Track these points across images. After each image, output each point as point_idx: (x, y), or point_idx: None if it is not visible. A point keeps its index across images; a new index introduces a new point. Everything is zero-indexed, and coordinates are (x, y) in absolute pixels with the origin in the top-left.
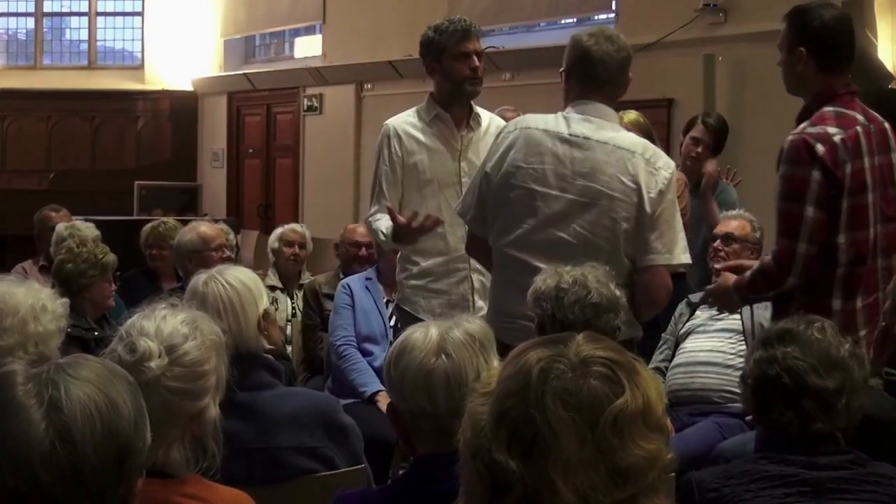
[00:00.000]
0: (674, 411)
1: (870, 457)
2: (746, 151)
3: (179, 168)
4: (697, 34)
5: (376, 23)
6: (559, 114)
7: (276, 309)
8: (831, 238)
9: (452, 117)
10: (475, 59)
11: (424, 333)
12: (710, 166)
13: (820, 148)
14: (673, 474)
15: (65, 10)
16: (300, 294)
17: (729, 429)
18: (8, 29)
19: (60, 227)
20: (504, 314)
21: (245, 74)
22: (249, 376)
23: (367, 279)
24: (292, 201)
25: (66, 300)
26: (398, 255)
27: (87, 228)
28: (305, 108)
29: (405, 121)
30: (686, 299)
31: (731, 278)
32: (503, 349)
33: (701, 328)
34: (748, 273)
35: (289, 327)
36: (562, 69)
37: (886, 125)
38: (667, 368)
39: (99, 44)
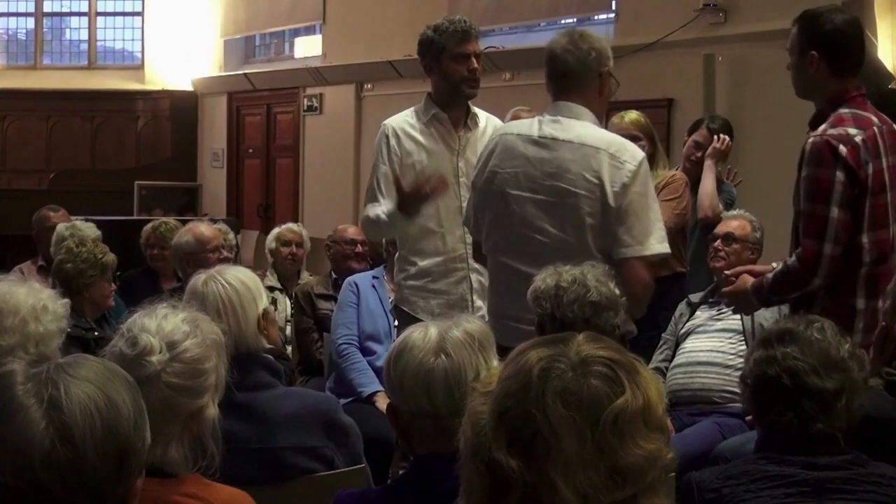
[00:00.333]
0: (674, 411)
1: (870, 457)
2: (746, 151)
3: (179, 168)
4: (697, 34)
5: (376, 23)
6: (535, 117)
7: (276, 309)
8: (855, 238)
9: (450, 117)
10: (474, 60)
11: (424, 333)
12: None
13: (843, 149)
14: (673, 474)
15: (65, 10)
16: (294, 296)
17: (729, 429)
18: (8, 29)
19: (61, 227)
20: (497, 316)
21: (245, 74)
22: (249, 376)
23: (375, 278)
24: (292, 201)
25: (66, 301)
26: (396, 255)
27: (88, 228)
28: (305, 108)
29: (403, 121)
30: (686, 299)
31: (749, 280)
32: (500, 351)
33: (701, 328)
34: (769, 275)
35: (288, 328)
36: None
37: (895, 126)
38: (667, 368)
39: (99, 44)
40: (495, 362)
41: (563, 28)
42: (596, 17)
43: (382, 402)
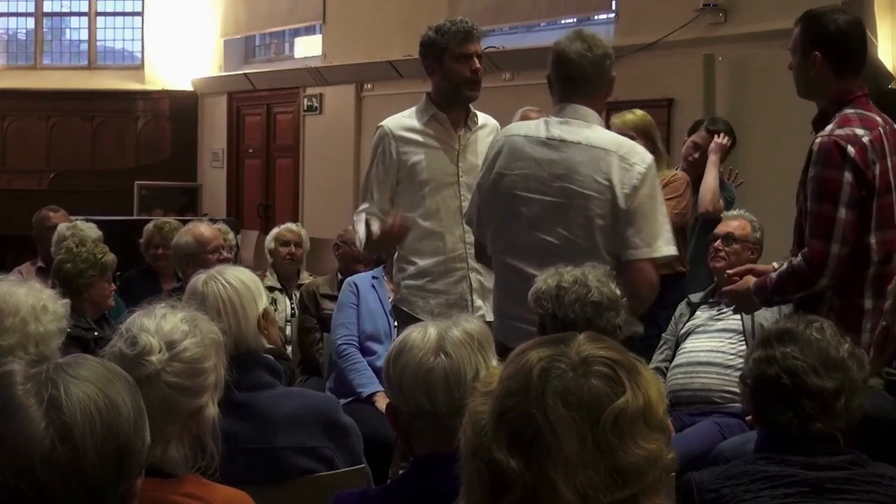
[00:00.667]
0: (674, 411)
1: (870, 457)
2: (746, 151)
3: (179, 168)
4: (697, 34)
5: (376, 23)
6: (542, 119)
7: (276, 309)
8: (862, 239)
9: (450, 118)
10: (476, 60)
11: (423, 333)
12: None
13: (851, 150)
14: (673, 474)
15: (65, 10)
16: (299, 294)
17: (729, 429)
18: (8, 29)
19: (62, 227)
20: (503, 316)
21: (245, 74)
22: (249, 376)
23: (374, 278)
24: (292, 201)
25: (66, 301)
26: (395, 255)
27: (89, 229)
28: (305, 108)
29: (401, 122)
30: (686, 299)
31: (752, 280)
32: (504, 351)
33: (701, 328)
34: (773, 275)
35: (288, 328)
36: (546, 75)
37: None
38: (667, 368)
39: (99, 44)
40: (495, 362)
41: (563, 28)
42: (596, 17)
43: (382, 402)
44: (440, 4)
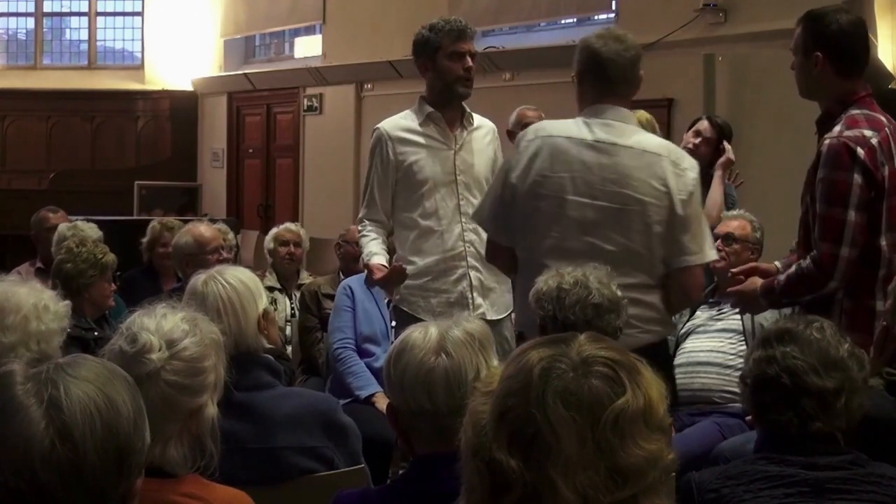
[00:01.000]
0: (674, 411)
1: (870, 457)
2: (746, 151)
3: (179, 168)
4: (697, 34)
5: (376, 23)
6: (578, 119)
7: (275, 309)
8: (873, 240)
9: (445, 117)
10: (469, 59)
11: (424, 333)
12: (728, 151)
13: (860, 151)
14: (673, 474)
15: (65, 10)
16: (299, 294)
17: (729, 429)
18: (8, 29)
19: (63, 227)
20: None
21: (245, 74)
22: (248, 376)
23: None
24: (292, 201)
25: (68, 303)
26: (394, 256)
27: (89, 229)
28: (305, 108)
29: (397, 123)
30: None
31: (759, 281)
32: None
33: (701, 328)
34: (781, 277)
35: (288, 328)
36: (573, 73)
37: None
38: None
39: (99, 44)
40: (496, 362)
41: (563, 28)
42: (596, 17)
43: (382, 403)
44: (440, 4)
